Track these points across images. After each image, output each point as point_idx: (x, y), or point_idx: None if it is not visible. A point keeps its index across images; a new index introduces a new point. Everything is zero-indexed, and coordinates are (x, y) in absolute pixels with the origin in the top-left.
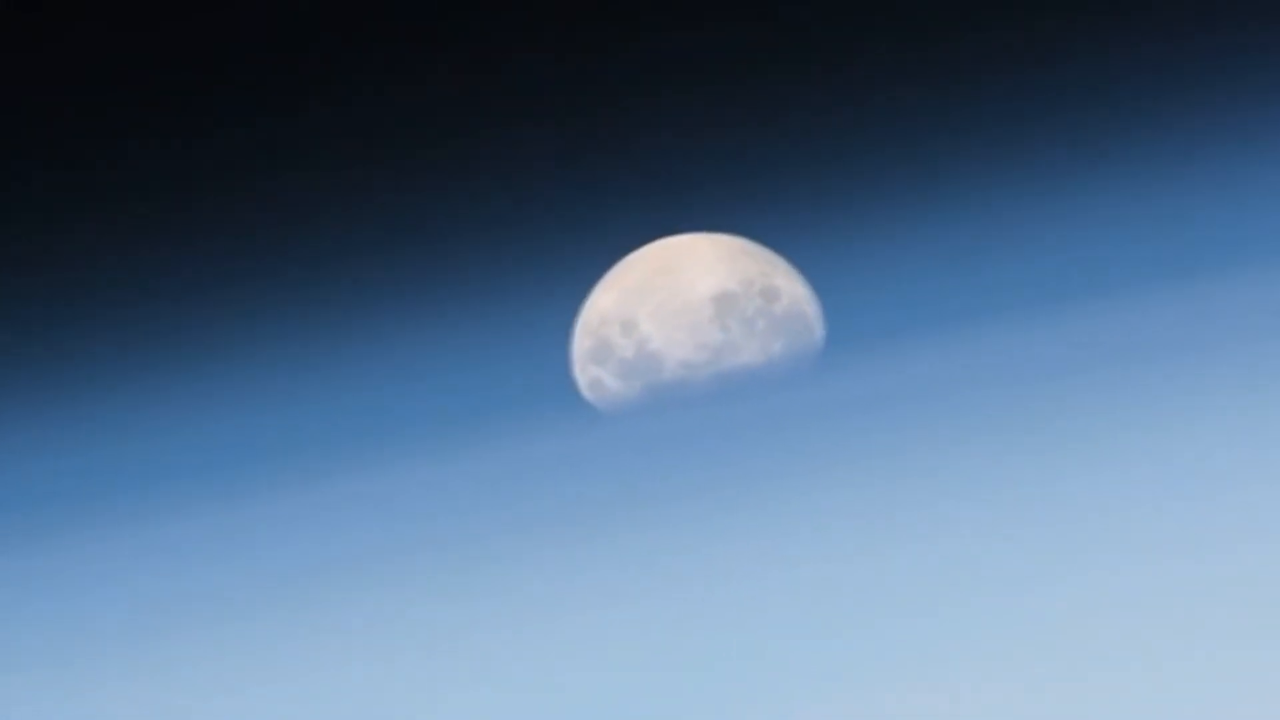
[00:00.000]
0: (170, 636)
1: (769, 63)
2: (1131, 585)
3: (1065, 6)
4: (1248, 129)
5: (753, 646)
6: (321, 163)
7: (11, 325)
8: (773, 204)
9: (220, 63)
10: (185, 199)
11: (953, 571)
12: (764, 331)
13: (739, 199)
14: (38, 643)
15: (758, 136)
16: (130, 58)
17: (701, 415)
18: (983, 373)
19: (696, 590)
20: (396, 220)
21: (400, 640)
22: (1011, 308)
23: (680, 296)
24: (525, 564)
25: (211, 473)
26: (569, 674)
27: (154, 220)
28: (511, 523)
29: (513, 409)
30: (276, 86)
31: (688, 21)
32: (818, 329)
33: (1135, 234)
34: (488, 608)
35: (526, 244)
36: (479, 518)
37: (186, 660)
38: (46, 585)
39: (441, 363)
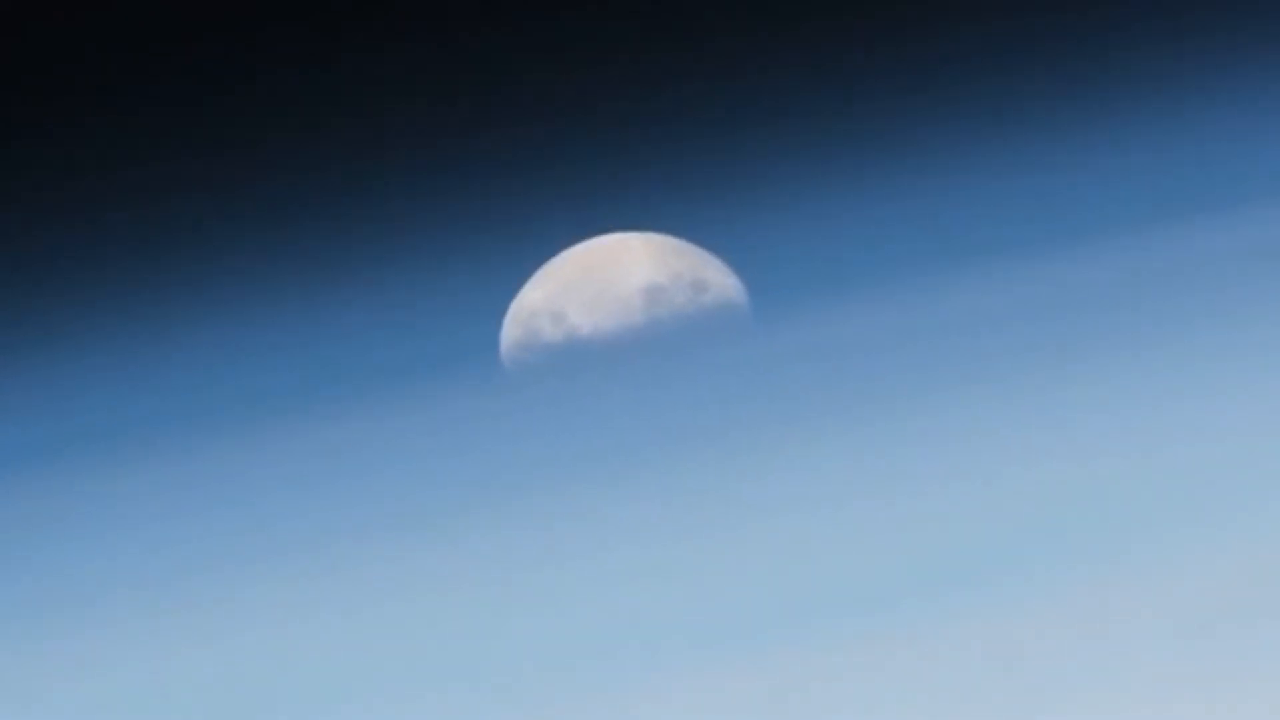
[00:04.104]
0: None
1: (700, 66)
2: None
3: None
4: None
5: (667, 602)
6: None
7: None
8: (706, 204)
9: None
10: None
11: (891, 532)
12: (693, 320)
13: (672, 199)
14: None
15: (691, 139)
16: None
17: (629, 393)
18: (913, 357)
19: (617, 547)
20: (337, 214)
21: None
22: (949, 291)
23: (610, 289)
24: (455, 530)
25: (163, 423)
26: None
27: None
28: (446, 491)
29: (442, 392)
30: (225, 61)
31: (622, 29)
32: (747, 318)
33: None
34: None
35: (457, 242)
36: (413, 485)
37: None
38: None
39: (379, 349)
